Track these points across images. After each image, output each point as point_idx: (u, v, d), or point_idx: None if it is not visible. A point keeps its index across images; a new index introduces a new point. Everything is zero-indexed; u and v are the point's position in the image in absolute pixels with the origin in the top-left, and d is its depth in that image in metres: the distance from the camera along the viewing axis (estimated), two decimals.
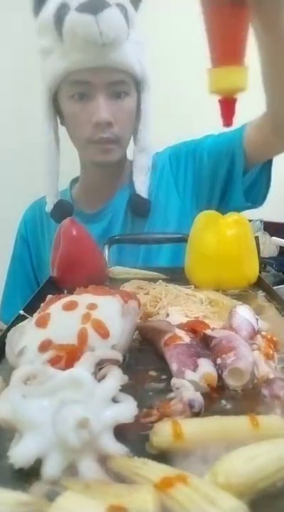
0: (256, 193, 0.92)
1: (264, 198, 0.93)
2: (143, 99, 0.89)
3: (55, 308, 0.47)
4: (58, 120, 0.92)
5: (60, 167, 0.94)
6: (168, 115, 1.51)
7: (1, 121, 1.83)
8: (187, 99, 1.53)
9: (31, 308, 0.55)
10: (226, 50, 0.50)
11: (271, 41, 0.60)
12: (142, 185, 0.93)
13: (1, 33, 1.79)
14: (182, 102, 1.69)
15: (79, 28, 0.74)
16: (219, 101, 0.52)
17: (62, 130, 0.93)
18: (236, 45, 0.50)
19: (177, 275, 0.73)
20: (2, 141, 1.83)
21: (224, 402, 0.39)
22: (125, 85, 0.84)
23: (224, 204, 0.91)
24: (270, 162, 0.89)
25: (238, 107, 0.53)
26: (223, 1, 0.47)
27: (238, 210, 0.91)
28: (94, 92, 0.82)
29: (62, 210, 0.93)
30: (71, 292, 0.53)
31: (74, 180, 1.06)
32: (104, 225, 0.96)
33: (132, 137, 0.93)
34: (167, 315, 0.56)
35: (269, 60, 0.64)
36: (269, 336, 0.46)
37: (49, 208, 0.94)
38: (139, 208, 0.94)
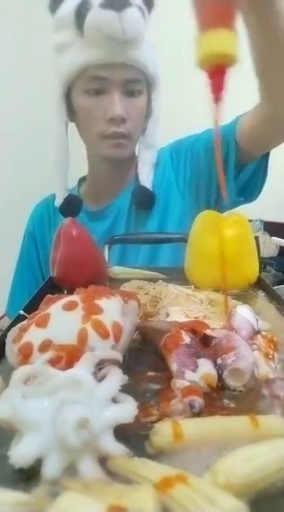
0: (251, 188, 0.91)
1: (258, 194, 0.93)
2: (154, 98, 0.91)
3: (55, 308, 0.47)
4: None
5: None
6: (169, 113, 1.52)
7: (11, 117, 1.83)
8: (187, 98, 1.53)
9: (31, 308, 0.55)
10: (214, 11, 0.44)
11: (262, 31, 0.59)
12: (146, 178, 0.94)
13: (9, 33, 1.80)
14: (182, 101, 1.70)
15: (102, 24, 0.76)
16: (208, 74, 0.46)
17: (69, 130, 0.93)
18: (225, 5, 0.44)
19: (177, 275, 0.73)
20: (10, 138, 1.83)
21: (224, 402, 0.39)
22: (139, 84, 0.86)
23: (220, 200, 0.91)
24: (266, 158, 0.89)
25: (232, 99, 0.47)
26: None
27: (234, 205, 0.90)
28: (110, 88, 0.84)
29: (72, 204, 0.94)
30: (71, 292, 0.53)
31: (82, 179, 1.07)
32: (108, 223, 0.97)
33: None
34: (167, 315, 0.56)
35: (261, 52, 0.64)
36: (269, 336, 0.46)
37: (58, 202, 0.95)
38: (143, 199, 0.94)
